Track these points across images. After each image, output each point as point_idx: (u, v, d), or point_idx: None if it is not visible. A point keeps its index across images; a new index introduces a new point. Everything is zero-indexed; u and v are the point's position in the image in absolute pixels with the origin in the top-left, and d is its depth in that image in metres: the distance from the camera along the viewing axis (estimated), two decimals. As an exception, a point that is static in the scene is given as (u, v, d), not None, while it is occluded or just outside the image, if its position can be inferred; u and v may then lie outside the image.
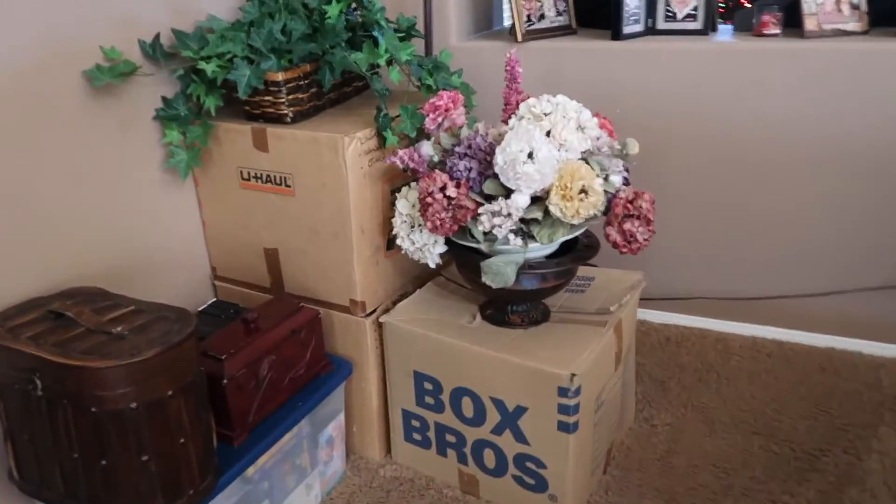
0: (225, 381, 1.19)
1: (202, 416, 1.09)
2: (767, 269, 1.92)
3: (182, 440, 1.04)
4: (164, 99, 1.40)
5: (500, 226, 1.17)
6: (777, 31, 1.81)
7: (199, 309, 1.51)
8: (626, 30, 1.91)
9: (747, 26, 1.90)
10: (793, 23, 1.79)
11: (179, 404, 1.03)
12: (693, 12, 1.92)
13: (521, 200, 1.17)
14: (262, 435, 1.25)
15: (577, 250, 1.35)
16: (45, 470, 1.07)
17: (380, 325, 1.46)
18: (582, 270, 1.60)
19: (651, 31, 1.96)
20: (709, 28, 1.90)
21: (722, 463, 1.53)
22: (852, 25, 1.78)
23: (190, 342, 1.03)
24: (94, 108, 1.30)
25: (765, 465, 1.52)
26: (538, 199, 1.23)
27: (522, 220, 1.24)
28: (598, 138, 1.28)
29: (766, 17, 1.82)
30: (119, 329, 1.03)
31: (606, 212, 1.27)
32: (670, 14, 1.95)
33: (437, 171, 1.25)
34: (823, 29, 1.77)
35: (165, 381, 1.00)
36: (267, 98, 1.39)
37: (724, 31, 1.97)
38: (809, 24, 1.77)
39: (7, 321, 1.07)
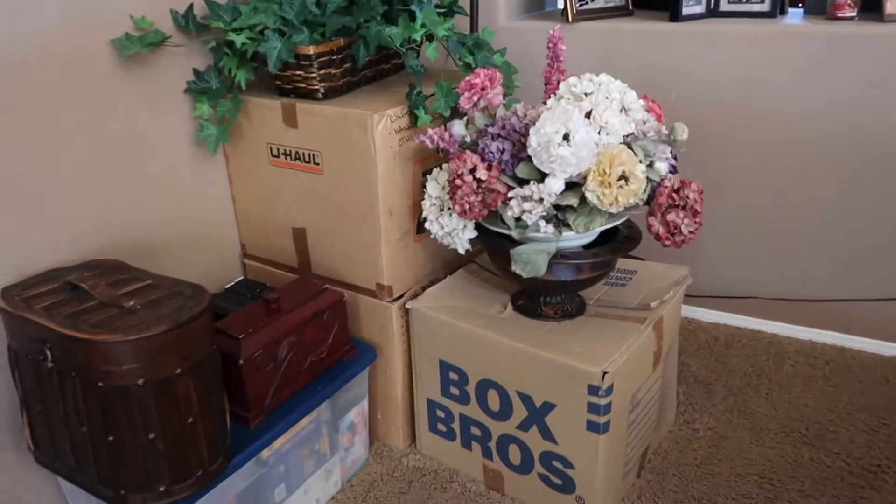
0: (241, 361, 1.15)
1: (213, 396, 1.06)
2: (829, 270, 1.79)
3: (191, 420, 1.02)
4: (195, 71, 1.37)
5: (530, 211, 1.10)
6: (853, 13, 1.67)
7: (226, 287, 1.49)
8: (686, 11, 1.80)
9: (820, 9, 1.75)
10: (872, 6, 1.65)
11: (189, 383, 1.00)
12: (760, -8, 1.79)
13: (554, 185, 1.10)
14: (279, 417, 1.22)
15: (617, 241, 1.27)
16: (57, 442, 1.06)
17: (406, 312, 1.41)
18: (624, 263, 1.51)
19: (713, 12, 1.84)
20: (777, 10, 1.77)
21: (768, 473, 1.43)
22: (939, 7, 1.62)
23: (201, 320, 1.00)
24: (123, 79, 1.29)
25: (815, 478, 1.41)
26: (575, 185, 1.15)
27: (557, 207, 1.16)
28: (644, 122, 1.19)
29: (840, -1, 1.68)
30: (132, 303, 1.01)
31: (650, 201, 1.18)
32: (735, -6, 1.83)
33: (468, 151, 1.19)
34: (906, 11, 1.62)
35: (174, 359, 0.97)
36: (298, 73, 1.35)
37: (795, 14, 1.83)
38: (890, 6, 1.62)
39: (25, 290, 1.07)
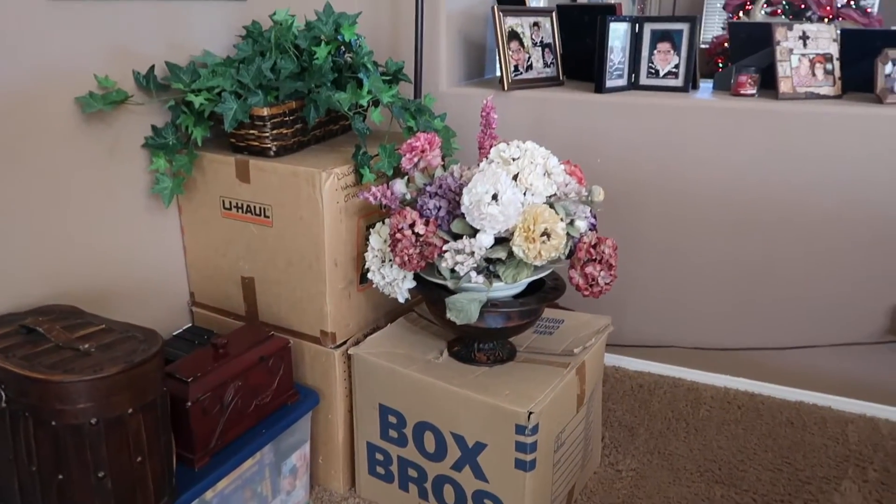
0: (189, 403, 1.21)
1: (162, 437, 1.11)
2: (742, 321, 1.95)
3: (140, 459, 1.06)
4: (153, 128, 1.46)
5: (462, 263, 1.21)
6: (753, 91, 1.89)
7: (174, 333, 1.54)
8: (610, 84, 1.99)
9: (726, 86, 1.97)
10: (770, 84, 1.86)
11: (139, 423, 1.05)
12: (674, 70, 2.00)
13: (484, 240, 1.22)
14: (223, 459, 1.27)
15: (543, 291, 1.39)
16: (4, 483, 1.09)
17: (349, 358, 1.49)
18: (552, 313, 1.63)
19: (634, 85, 2.04)
20: (689, 85, 1.97)
21: (683, 511, 1.54)
22: (826, 89, 1.85)
23: (154, 362, 1.06)
24: (84, 133, 1.36)
25: (725, 514, 1.53)
26: (504, 240, 1.27)
27: (488, 260, 1.28)
28: (566, 184, 1.33)
29: (742, 78, 1.89)
30: (86, 346, 1.06)
31: (571, 255, 1.31)
32: (653, 70, 2.03)
33: (408, 208, 1.30)
34: (797, 91, 1.84)
35: (126, 399, 1.03)
36: (252, 132, 1.44)
37: (705, 88, 2.04)
38: (784, 86, 1.84)
39: (-20, 334, 1.11)
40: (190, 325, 1.64)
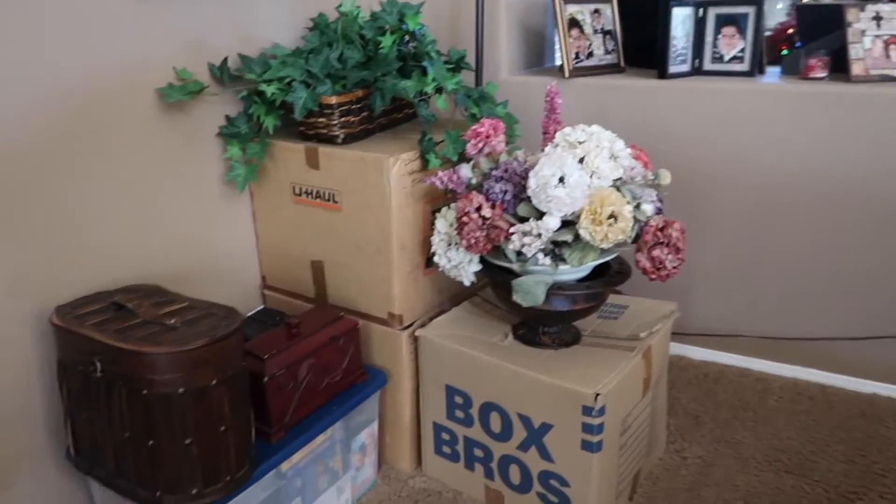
0: (266, 378, 1.26)
1: (243, 409, 1.17)
2: (812, 310, 1.90)
3: (223, 428, 1.12)
4: (227, 117, 1.52)
5: (529, 245, 1.23)
6: (823, 74, 1.83)
7: (248, 315, 1.60)
8: (673, 69, 1.96)
9: (794, 70, 1.92)
10: (840, 68, 1.81)
11: (222, 394, 1.11)
12: (740, 54, 1.96)
13: (551, 222, 1.23)
14: (298, 434, 1.32)
15: (608, 275, 1.39)
16: (98, 448, 1.16)
17: (415, 339, 1.52)
18: (616, 299, 1.63)
19: (698, 71, 2.00)
20: (756, 70, 1.93)
21: (752, 499, 1.52)
22: (902, 70, 1.79)
23: (234, 337, 1.12)
24: (164, 122, 1.43)
25: (796, 503, 1.50)
26: (570, 224, 1.28)
27: (554, 243, 1.29)
28: (631, 168, 1.33)
29: (812, 61, 1.84)
30: (172, 321, 1.12)
31: (637, 239, 1.30)
32: (717, 55, 1.99)
33: (474, 192, 1.32)
34: (871, 74, 1.79)
35: (210, 371, 1.08)
36: (321, 120, 1.49)
37: (772, 73, 2.00)
38: (856, 68, 1.78)
39: (75, 310, 1.18)
40: (262, 306, 1.70)
